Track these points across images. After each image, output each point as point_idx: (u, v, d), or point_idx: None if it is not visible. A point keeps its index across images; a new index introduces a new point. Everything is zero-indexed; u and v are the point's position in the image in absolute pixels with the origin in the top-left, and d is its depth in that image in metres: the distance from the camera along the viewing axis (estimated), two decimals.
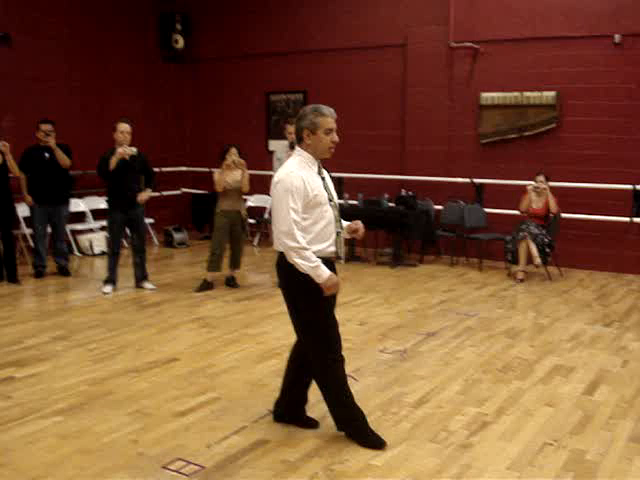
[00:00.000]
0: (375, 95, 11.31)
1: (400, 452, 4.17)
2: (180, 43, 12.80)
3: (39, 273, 9.05)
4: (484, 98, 10.39)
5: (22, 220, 9.58)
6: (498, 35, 10.19)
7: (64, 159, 8.87)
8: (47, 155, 8.84)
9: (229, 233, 8.40)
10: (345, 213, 10.31)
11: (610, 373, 5.65)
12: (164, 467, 3.96)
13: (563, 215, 9.41)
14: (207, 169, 12.09)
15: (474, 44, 10.36)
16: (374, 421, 4.57)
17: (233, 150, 8.34)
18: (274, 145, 11.42)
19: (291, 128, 8.41)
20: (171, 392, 5.11)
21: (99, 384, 5.27)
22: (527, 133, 10.16)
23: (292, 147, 8.36)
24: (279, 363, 5.59)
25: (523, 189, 9.42)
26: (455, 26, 10.47)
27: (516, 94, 10.14)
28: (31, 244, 9.64)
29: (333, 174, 11.12)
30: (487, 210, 10.26)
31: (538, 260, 8.94)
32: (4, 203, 8.66)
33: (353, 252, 10.57)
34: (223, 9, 12.68)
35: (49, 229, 9.23)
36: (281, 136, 10.29)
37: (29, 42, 10.54)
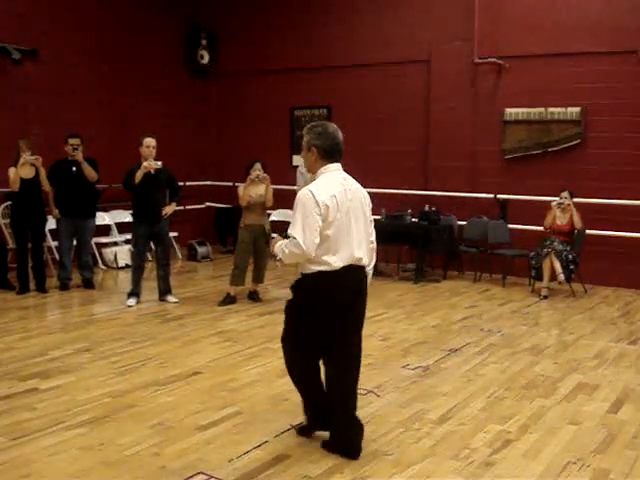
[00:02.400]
0: (399, 110, 11.33)
1: (422, 469, 4.15)
2: (205, 58, 12.93)
3: (64, 285, 9.14)
4: (508, 114, 10.38)
5: (48, 233, 9.67)
6: (522, 51, 10.18)
7: (91, 173, 8.97)
8: (74, 169, 8.94)
9: (252, 247, 8.43)
10: None
11: (635, 391, 5.59)
12: None
13: (588, 231, 9.35)
14: (231, 183, 12.15)
15: (498, 60, 10.36)
16: (396, 438, 4.57)
17: (257, 165, 8.39)
18: (298, 160, 11.45)
19: None
20: (193, 406, 5.12)
21: (122, 396, 5.30)
22: (551, 149, 10.12)
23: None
24: None
25: (547, 205, 9.38)
26: (479, 42, 10.47)
27: (540, 110, 10.12)
28: (57, 257, 9.74)
29: None
30: (511, 226, 10.21)
31: (561, 277, 8.88)
32: (36, 215, 8.81)
33: (376, 267, 10.52)
34: (248, 25, 12.77)
35: (75, 242, 9.31)
36: None
37: (57, 57, 10.69)
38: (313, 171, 4.33)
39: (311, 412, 4.55)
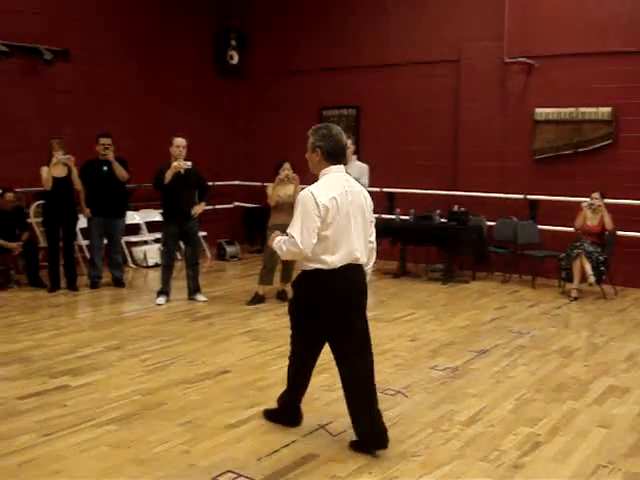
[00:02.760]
0: (428, 110, 11.29)
1: (451, 470, 4.14)
2: (235, 59, 12.99)
3: (94, 284, 9.23)
4: (538, 114, 10.30)
5: (79, 231, 9.77)
6: (553, 50, 10.09)
7: (122, 172, 9.06)
8: (105, 168, 9.03)
9: None
10: (396, 228, 10.33)
11: None
12: (214, 478, 4.00)
13: (619, 233, 9.25)
14: (260, 183, 12.19)
15: (528, 59, 10.28)
16: (424, 439, 4.56)
17: (286, 165, 8.42)
18: None
19: (347, 143, 8.42)
20: (222, 404, 5.15)
21: (152, 394, 5.34)
22: (582, 149, 10.02)
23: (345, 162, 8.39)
24: (329, 378, 5.60)
25: (577, 206, 9.30)
26: (509, 41, 10.40)
27: (571, 110, 10.03)
28: (87, 255, 9.84)
29: (385, 189, 11.23)
30: (540, 227, 10.13)
31: (592, 278, 8.80)
32: (68, 214, 8.91)
33: (404, 268, 10.53)
34: (277, 25, 12.81)
35: (105, 241, 9.40)
36: None
37: (88, 57, 10.80)
38: (316, 172, 4.43)
39: (285, 404, 4.79)
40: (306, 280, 4.36)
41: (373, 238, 4.54)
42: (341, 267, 4.27)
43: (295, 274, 4.56)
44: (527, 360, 6.37)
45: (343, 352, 4.43)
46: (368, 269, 4.54)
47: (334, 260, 4.25)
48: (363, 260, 4.41)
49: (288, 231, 4.22)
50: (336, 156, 4.37)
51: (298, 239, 4.14)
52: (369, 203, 4.49)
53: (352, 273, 4.34)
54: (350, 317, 4.39)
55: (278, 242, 4.34)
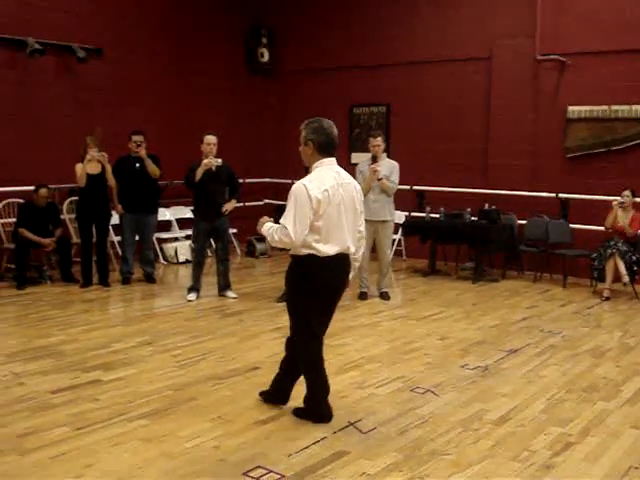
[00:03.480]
0: (459, 108, 11.23)
1: (481, 469, 4.12)
2: (265, 56, 13.01)
3: (126, 280, 9.31)
4: (571, 111, 10.20)
5: (111, 228, 9.86)
6: (586, 47, 9.98)
7: (154, 169, 9.13)
8: (138, 165, 9.10)
9: None
10: (427, 226, 10.29)
11: None
12: (245, 474, 4.02)
13: None
14: (290, 181, 12.18)
15: (561, 57, 10.19)
16: (454, 437, 4.54)
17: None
18: (356, 157, 11.47)
19: (375, 141, 8.43)
20: (252, 400, 5.17)
21: (183, 390, 5.38)
22: (615, 147, 9.91)
23: (374, 159, 8.40)
24: (359, 375, 5.62)
25: (610, 205, 9.19)
26: (542, 38, 10.31)
27: (604, 107, 9.92)
28: (119, 251, 9.93)
29: (415, 187, 11.21)
30: (572, 226, 10.04)
31: (626, 278, 8.71)
32: (101, 211, 9.01)
33: (434, 266, 10.50)
34: (308, 23, 12.82)
35: (137, 237, 9.48)
36: (363, 149, 10.34)
37: (120, 55, 10.89)
38: (309, 165, 4.63)
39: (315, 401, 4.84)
40: (299, 265, 4.57)
41: (362, 228, 4.80)
42: (333, 255, 4.50)
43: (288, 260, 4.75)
44: (558, 360, 6.33)
45: (319, 330, 4.77)
46: (357, 257, 4.79)
47: (326, 249, 4.47)
48: (352, 250, 4.66)
49: (281, 221, 4.42)
50: (328, 149, 4.58)
51: (291, 230, 4.35)
52: (359, 195, 4.72)
53: (341, 261, 4.60)
54: (333, 302, 4.71)
55: (269, 229, 4.55)
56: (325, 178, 4.46)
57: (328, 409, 4.78)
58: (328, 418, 4.74)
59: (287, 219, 4.38)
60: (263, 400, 5.08)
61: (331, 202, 4.42)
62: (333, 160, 4.59)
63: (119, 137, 9.43)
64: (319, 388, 4.78)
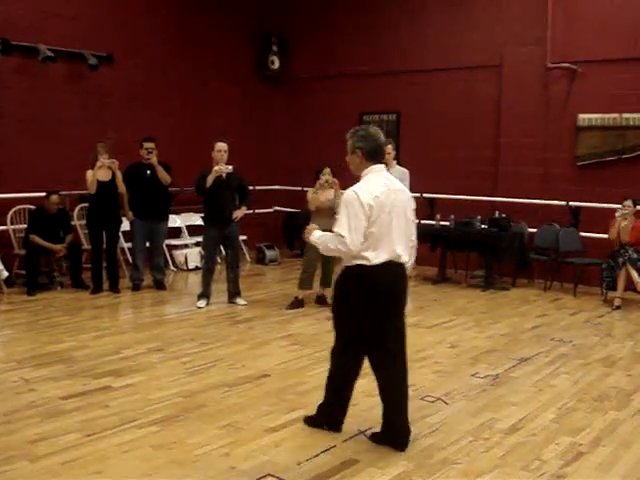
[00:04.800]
0: (469, 116, 11.22)
1: (491, 479, 4.10)
2: (276, 64, 13.05)
3: (136, 286, 9.33)
4: (581, 120, 10.18)
5: (121, 234, 9.88)
6: (597, 55, 9.96)
7: (165, 176, 9.15)
8: (149, 172, 9.13)
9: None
10: (437, 234, 10.29)
11: None
12: None
13: None
14: (300, 188, 12.21)
15: (572, 65, 10.17)
16: (465, 446, 4.53)
17: (327, 170, 8.44)
18: None
19: (386, 149, 8.42)
20: (262, 408, 5.17)
21: (193, 397, 5.38)
22: (626, 155, 9.88)
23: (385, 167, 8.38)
24: (368, 383, 5.57)
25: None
26: (552, 46, 10.30)
27: (615, 115, 9.90)
28: (130, 258, 9.95)
29: (425, 195, 11.20)
30: (583, 234, 10.00)
31: None
32: (112, 217, 9.04)
33: (444, 274, 10.48)
34: (318, 30, 12.84)
35: (147, 244, 9.49)
36: None
37: (131, 62, 10.94)
38: (358, 172, 4.54)
39: (327, 411, 4.77)
40: (348, 276, 4.46)
41: (414, 237, 4.66)
42: (382, 264, 4.37)
43: (338, 271, 4.66)
44: (569, 369, 6.30)
45: (381, 351, 4.54)
46: (408, 266, 4.61)
47: (376, 257, 4.35)
48: (405, 258, 4.51)
49: (335, 230, 4.32)
50: (376, 155, 4.51)
51: (347, 238, 4.25)
52: (411, 203, 4.62)
53: (393, 270, 4.45)
54: (390, 310, 4.50)
55: (321, 237, 4.49)
56: (375, 185, 4.38)
57: (337, 421, 4.73)
58: (336, 428, 4.72)
59: (342, 227, 4.28)
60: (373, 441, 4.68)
61: (382, 208, 4.33)
62: (382, 167, 4.52)
63: (130, 144, 9.46)
64: (335, 402, 4.74)
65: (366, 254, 4.33)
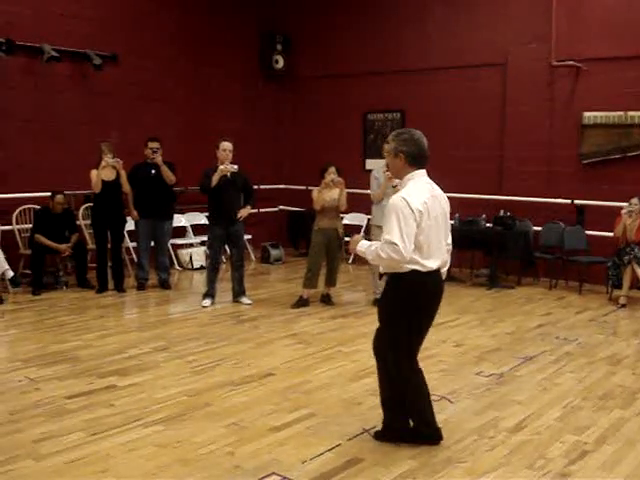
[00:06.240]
0: (474, 114, 11.21)
1: (496, 478, 4.10)
2: (280, 63, 13.06)
3: (141, 285, 9.35)
4: (586, 117, 10.16)
5: (126, 234, 9.90)
6: (601, 53, 9.94)
7: (170, 176, 9.16)
8: (153, 172, 9.14)
9: (325, 251, 8.47)
10: None
11: None
12: None
13: None
14: (304, 187, 12.22)
15: (576, 62, 10.15)
16: (469, 445, 4.53)
17: (332, 169, 8.43)
18: (371, 164, 11.46)
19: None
20: (267, 406, 5.18)
21: (197, 395, 5.39)
22: (631, 153, 9.85)
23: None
24: (373, 382, 5.58)
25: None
26: (557, 44, 10.28)
27: (620, 113, 9.87)
28: (135, 257, 9.97)
29: None
30: (588, 232, 9.99)
31: None
32: (117, 217, 9.06)
33: (449, 272, 10.43)
34: (322, 30, 12.85)
35: (152, 243, 9.50)
36: (378, 155, 10.32)
37: (136, 62, 10.95)
38: (400, 177, 4.46)
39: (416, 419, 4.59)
40: (403, 282, 4.33)
41: (450, 240, 4.62)
42: (435, 269, 4.37)
43: (380, 277, 4.59)
44: (574, 367, 6.29)
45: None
46: (444, 271, 4.60)
47: (430, 263, 4.31)
48: (447, 264, 4.58)
49: (386, 237, 4.18)
50: (420, 160, 4.41)
51: (400, 246, 4.12)
52: (448, 206, 4.57)
53: (440, 275, 4.47)
54: (433, 318, 4.53)
55: (369, 247, 4.34)
56: (422, 190, 4.30)
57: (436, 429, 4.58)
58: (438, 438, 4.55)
59: (393, 235, 4.14)
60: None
61: (430, 214, 4.26)
62: (424, 172, 4.43)
63: (134, 143, 9.48)
64: (421, 404, 4.57)
65: (420, 259, 4.26)
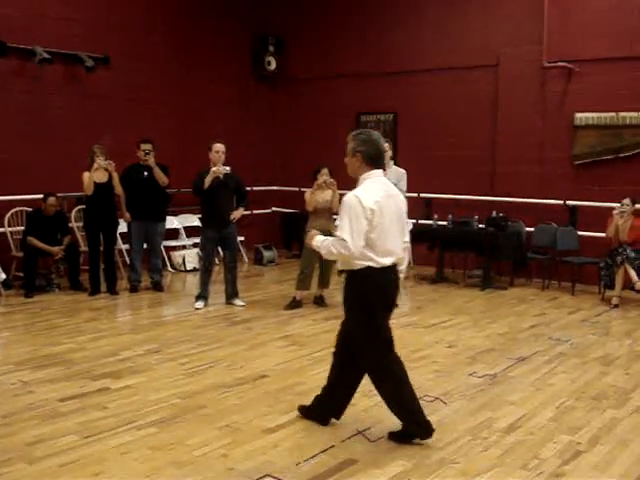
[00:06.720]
0: (466, 116, 11.23)
1: (490, 478, 4.11)
2: (273, 64, 13.06)
3: (134, 288, 9.33)
4: (578, 119, 10.19)
5: (119, 236, 9.87)
6: (593, 54, 9.98)
7: (162, 178, 9.15)
8: (146, 173, 9.12)
9: (319, 252, 8.44)
10: (434, 234, 10.31)
11: None
12: None
13: None
14: (297, 189, 12.22)
15: (568, 64, 10.18)
16: (463, 446, 4.54)
17: (324, 170, 8.45)
18: None
19: (385, 147, 8.43)
20: (260, 408, 5.17)
21: (191, 398, 5.38)
22: (623, 154, 9.89)
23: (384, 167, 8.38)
24: (367, 384, 5.58)
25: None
26: (548, 46, 10.31)
27: (611, 114, 9.91)
28: (127, 259, 9.95)
29: (423, 195, 11.22)
30: (580, 233, 10.02)
31: (639, 284, 8.66)
32: (108, 219, 9.03)
33: (442, 273, 10.48)
34: (314, 31, 12.85)
35: (145, 245, 9.48)
36: None
37: (128, 64, 10.94)
38: (356, 176, 4.59)
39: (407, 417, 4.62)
40: (358, 278, 4.48)
41: (407, 238, 4.80)
42: (388, 266, 4.47)
43: (339, 274, 4.77)
44: (567, 368, 6.31)
45: None
46: (403, 268, 4.75)
47: (384, 260, 4.43)
48: (402, 260, 4.68)
49: (338, 234, 4.37)
50: (376, 160, 4.53)
51: (350, 242, 4.29)
52: (405, 207, 4.70)
53: (394, 271, 4.56)
54: (390, 312, 4.63)
55: (324, 242, 4.51)
56: (375, 189, 4.42)
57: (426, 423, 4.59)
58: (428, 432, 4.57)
59: (344, 231, 4.31)
60: (304, 416, 4.97)
61: (382, 213, 4.38)
62: (381, 172, 4.54)
63: (127, 145, 9.46)
64: (409, 401, 4.61)
65: (373, 256, 4.39)
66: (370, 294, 4.46)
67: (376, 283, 4.45)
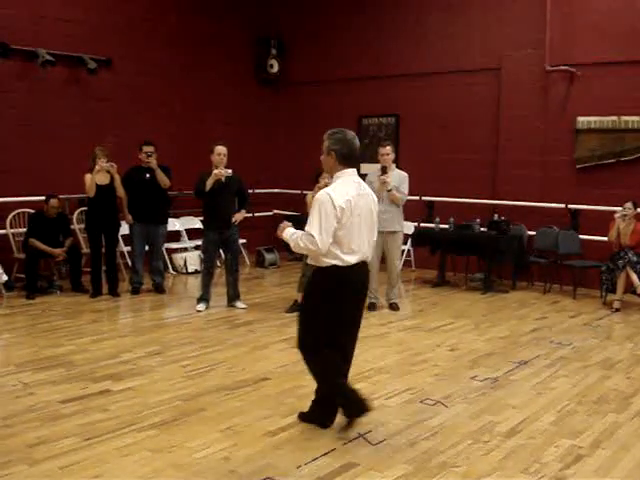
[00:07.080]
0: (468, 119, 11.24)
1: None
2: (275, 67, 13.07)
3: (135, 290, 9.33)
4: (580, 122, 10.19)
5: (121, 238, 9.88)
6: (595, 58, 9.98)
7: (164, 180, 9.15)
8: (148, 176, 9.13)
9: None
10: (436, 237, 10.29)
11: None
12: None
13: None
14: (299, 191, 12.22)
15: (570, 67, 10.19)
16: (464, 450, 4.53)
17: (326, 173, 8.42)
18: (365, 168, 11.44)
19: (384, 150, 8.45)
20: (262, 411, 5.17)
21: (192, 400, 5.38)
22: (625, 158, 9.89)
23: (384, 170, 8.40)
24: (368, 387, 5.61)
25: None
26: (551, 49, 10.32)
27: (614, 118, 9.91)
28: (129, 261, 9.95)
29: (424, 198, 11.22)
30: (582, 236, 10.01)
31: None
32: (110, 221, 9.04)
33: (443, 277, 10.48)
34: (317, 34, 12.86)
35: (146, 247, 9.48)
36: (372, 159, 10.33)
37: (130, 66, 10.96)
38: (331, 174, 4.72)
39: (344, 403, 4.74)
40: (325, 275, 4.58)
41: (374, 239, 4.86)
42: (354, 264, 4.57)
43: (308, 269, 4.79)
44: (568, 372, 6.30)
45: (344, 340, 4.77)
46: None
47: (349, 258, 4.53)
48: (369, 259, 4.76)
49: (307, 229, 4.48)
50: (350, 160, 4.65)
51: (317, 238, 4.41)
52: (376, 207, 4.78)
53: (362, 270, 4.67)
54: (359, 310, 4.76)
55: (293, 234, 4.62)
56: (347, 188, 4.52)
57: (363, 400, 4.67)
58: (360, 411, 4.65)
59: (313, 227, 4.43)
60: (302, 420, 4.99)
61: (353, 212, 4.49)
62: (354, 171, 4.65)
63: (129, 147, 9.47)
64: (348, 396, 4.68)
65: (340, 254, 4.50)
66: (334, 291, 4.55)
67: (340, 281, 4.54)
